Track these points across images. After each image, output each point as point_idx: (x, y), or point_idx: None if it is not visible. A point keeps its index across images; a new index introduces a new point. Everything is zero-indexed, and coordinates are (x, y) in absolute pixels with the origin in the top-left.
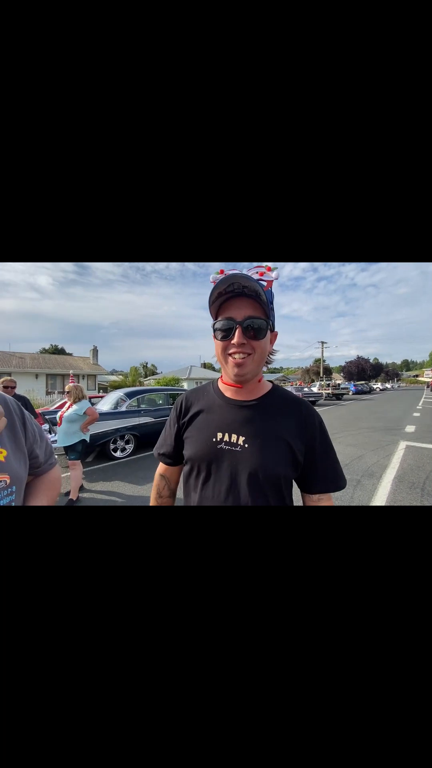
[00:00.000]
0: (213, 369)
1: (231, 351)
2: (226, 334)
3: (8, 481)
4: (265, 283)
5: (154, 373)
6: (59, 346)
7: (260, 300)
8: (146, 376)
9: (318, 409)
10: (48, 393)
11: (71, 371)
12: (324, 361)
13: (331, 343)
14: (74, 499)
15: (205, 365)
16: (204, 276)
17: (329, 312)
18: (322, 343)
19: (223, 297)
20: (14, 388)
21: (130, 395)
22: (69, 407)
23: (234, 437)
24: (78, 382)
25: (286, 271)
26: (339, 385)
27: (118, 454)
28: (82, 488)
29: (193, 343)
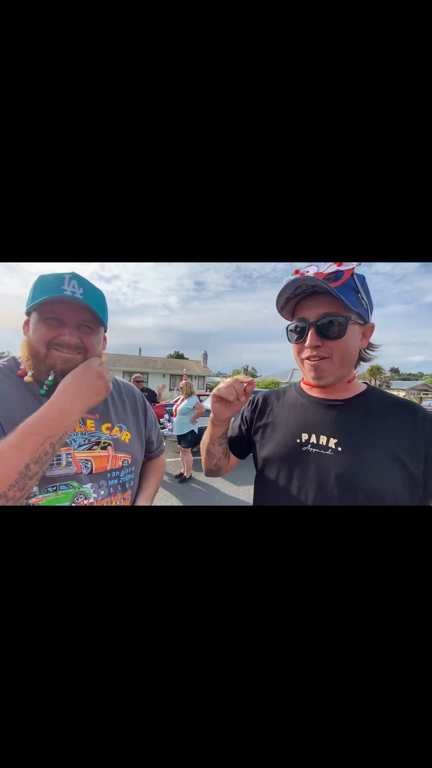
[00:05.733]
0: None
1: (305, 355)
2: (299, 336)
3: (129, 460)
4: (344, 272)
5: (254, 376)
6: (180, 352)
7: (337, 295)
8: None
9: None
10: (170, 390)
11: (184, 370)
12: None
13: None
14: (188, 476)
15: None
16: None
17: None
18: None
19: (294, 300)
20: (142, 382)
21: None
22: (182, 401)
23: (323, 439)
24: (189, 381)
25: None
26: None
27: None
28: (188, 478)
29: None
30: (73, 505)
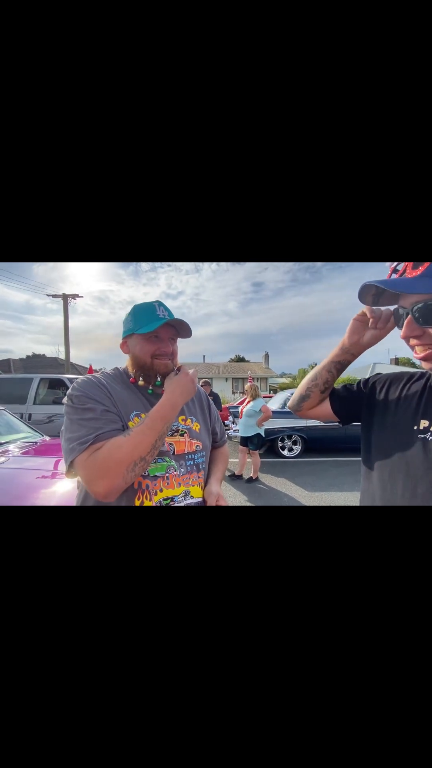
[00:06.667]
0: (413, 366)
1: (411, 344)
2: (400, 324)
3: (200, 446)
4: None
5: None
6: (241, 356)
7: (408, 290)
8: None
9: None
10: (233, 393)
11: (249, 373)
12: None
13: None
14: (255, 477)
15: (398, 361)
16: None
17: None
18: None
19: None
20: (209, 386)
21: None
22: (248, 403)
23: None
24: (255, 384)
25: None
26: None
27: (285, 452)
28: (255, 479)
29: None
30: (167, 475)
